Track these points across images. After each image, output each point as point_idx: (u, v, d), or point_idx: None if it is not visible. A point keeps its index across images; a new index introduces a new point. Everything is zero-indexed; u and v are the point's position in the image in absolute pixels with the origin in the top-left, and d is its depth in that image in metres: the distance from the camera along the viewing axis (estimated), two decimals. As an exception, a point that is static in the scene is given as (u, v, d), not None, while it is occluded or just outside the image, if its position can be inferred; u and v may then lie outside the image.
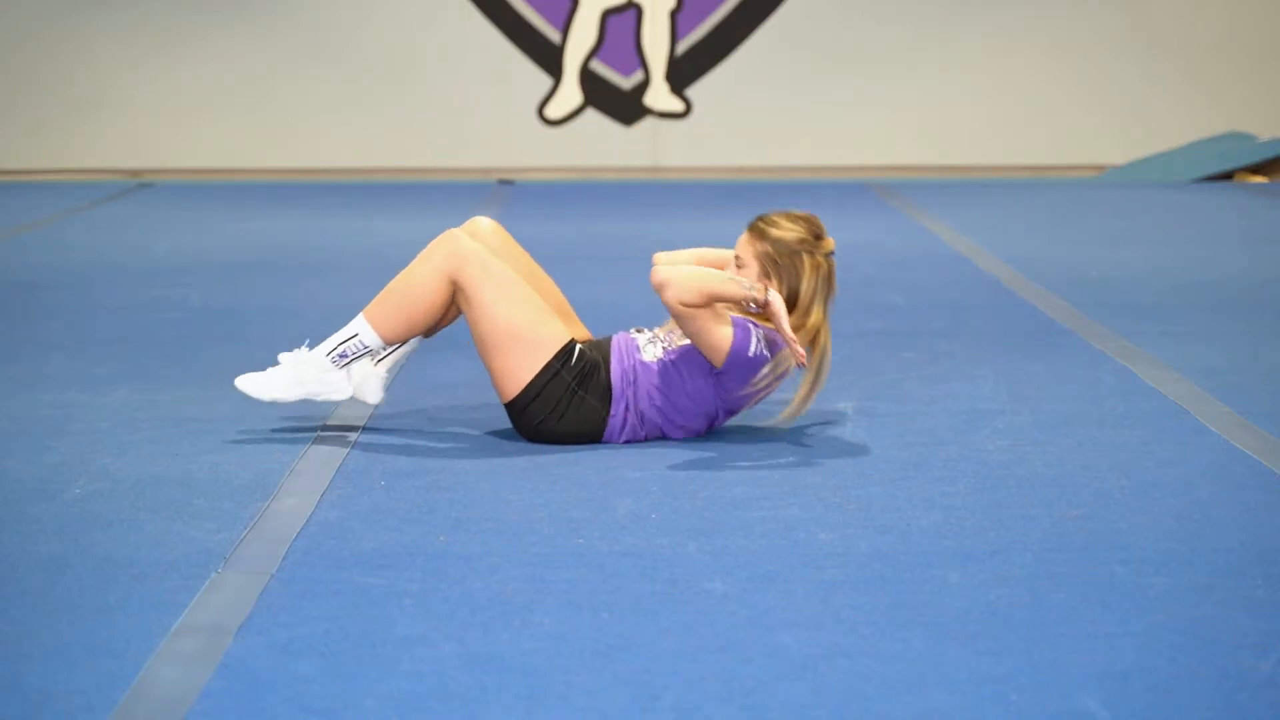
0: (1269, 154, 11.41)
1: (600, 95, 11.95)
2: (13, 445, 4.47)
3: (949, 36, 11.93)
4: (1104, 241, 8.38)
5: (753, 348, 4.36)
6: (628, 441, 4.48)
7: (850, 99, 11.85)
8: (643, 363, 4.48)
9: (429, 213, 9.56)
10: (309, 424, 4.68)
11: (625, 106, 11.92)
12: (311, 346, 4.54)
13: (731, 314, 4.39)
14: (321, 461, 4.31)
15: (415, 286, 4.46)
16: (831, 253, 4.46)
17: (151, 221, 9.35)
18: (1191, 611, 3.27)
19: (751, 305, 4.35)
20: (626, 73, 11.98)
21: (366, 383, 4.56)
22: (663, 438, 4.50)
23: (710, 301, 4.31)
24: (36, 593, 3.37)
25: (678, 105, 12.01)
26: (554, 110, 11.99)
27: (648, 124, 12.04)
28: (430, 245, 4.48)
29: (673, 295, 4.29)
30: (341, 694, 2.89)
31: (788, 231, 4.45)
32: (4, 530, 3.76)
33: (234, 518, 3.84)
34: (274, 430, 4.62)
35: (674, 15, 11.98)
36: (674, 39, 11.99)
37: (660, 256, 4.64)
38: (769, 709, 2.85)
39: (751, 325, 4.39)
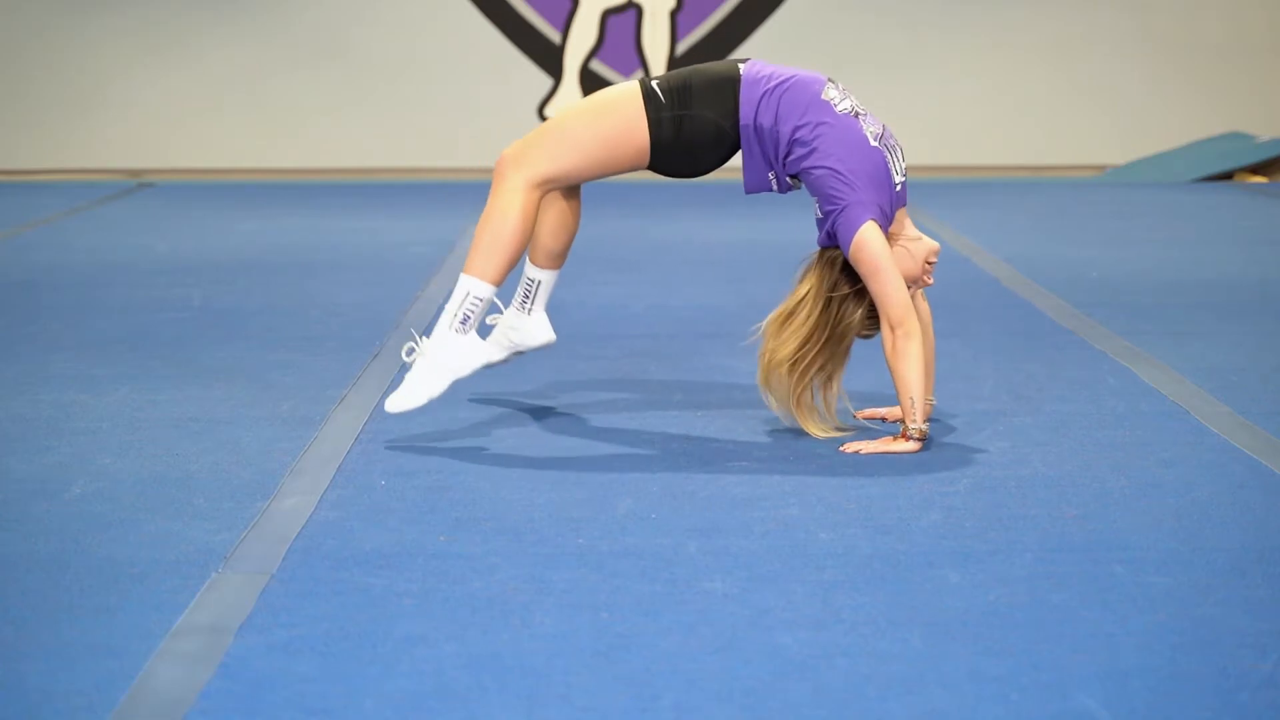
0: (1269, 154, 11.41)
1: (600, 95, 11.95)
2: (13, 445, 4.47)
3: (949, 36, 11.93)
4: (1104, 241, 8.38)
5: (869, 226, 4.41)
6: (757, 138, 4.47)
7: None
8: (819, 99, 4.45)
9: (429, 213, 9.56)
10: (309, 424, 4.69)
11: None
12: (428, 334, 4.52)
13: (870, 216, 4.41)
14: (321, 461, 4.31)
15: (501, 213, 4.43)
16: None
17: (151, 221, 9.35)
18: (1191, 611, 3.27)
19: (910, 429, 4.38)
20: (626, 73, 11.98)
21: (536, 329, 4.76)
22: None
23: (901, 384, 4.37)
24: (36, 593, 3.37)
25: (678, 105, 12.01)
26: (554, 110, 11.99)
27: (648, 124, 12.03)
28: (495, 182, 4.48)
29: (907, 339, 4.35)
30: (341, 694, 2.89)
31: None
32: (4, 530, 3.76)
33: (234, 518, 3.84)
34: (274, 430, 4.62)
35: (674, 15, 11.98)
36: (674, 39, 11.99)
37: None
38: (769, 709, 2.85)
39: (881, 222, 4.43)
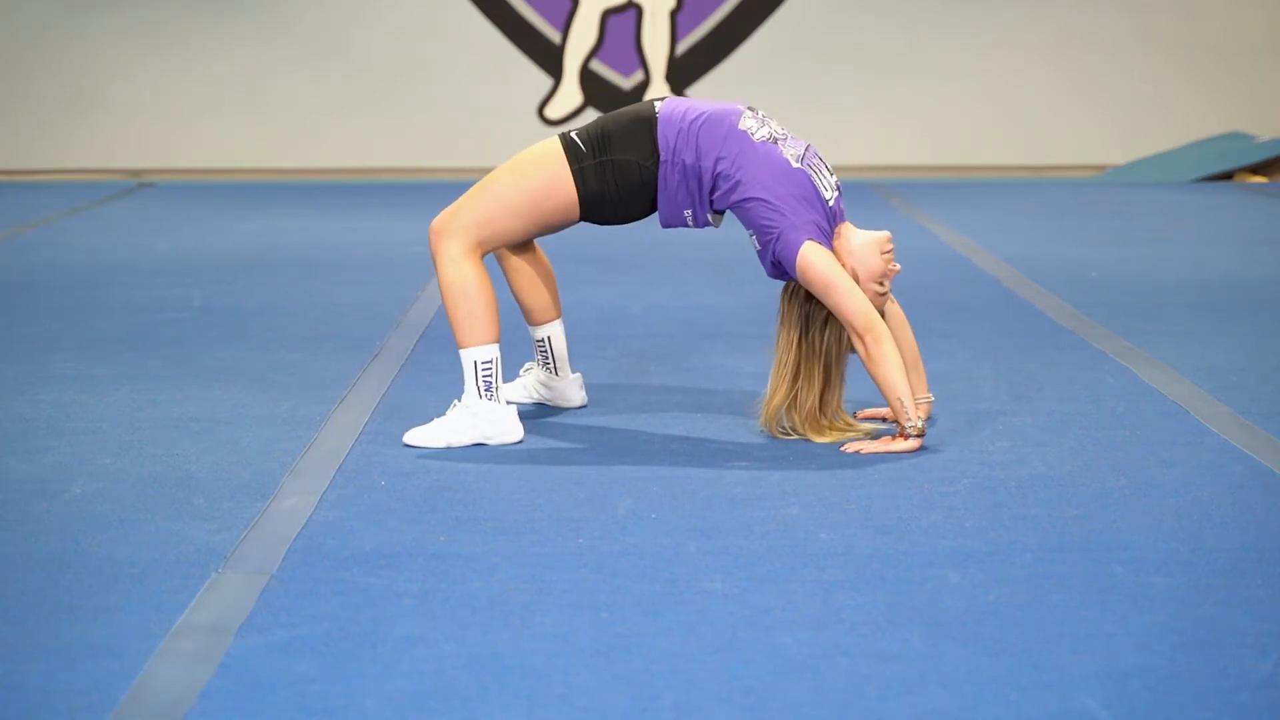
0: (1269, 154, 11.41)
1: (600, 95, 11.95)
2: (13, 445, 4.47)
3: (949, 36, 11.93)
4: (1104, 241, 8.38)
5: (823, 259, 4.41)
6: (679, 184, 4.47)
7: (850, 99, 11.85)
8: (735, 130, 4.44)
9: (429, 213, 9.52)
10: (309, 424, 4.69)
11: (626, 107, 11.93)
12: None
13: (813, 236, 4.41)
14: (321, 461, 4.31)
15: (455, 286, 4.48)
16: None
17: (151, 221, 9.35)
18: (1191, 611, 3.27)
19: (907, 429, 4.37)
20: (626, 73, 11.98)
21: (567, 390, 4.87)
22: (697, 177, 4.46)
23: (886, 388, 4.36)
24: (36, 593, 3.37)
25: (678, 105, 12.01)
26: (554, 110, 11.99)
27: (648, 124, 12.02)
28: (433, 255, 4.52)
29: (878, 343, 4.33)
30: (341, 694, 2.89)
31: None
32: (4, 530, 3.76)
33: (234, 518, 3.84)
34: (274, 430, 4.62)
35: (674, 15, 11.98)
36: (674, 39, 11.99)
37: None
38: (769, 709, 2.85)
39: (820, 240, 4.43)
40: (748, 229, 4.48)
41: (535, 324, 4.83)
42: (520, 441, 4.50)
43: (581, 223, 4.58)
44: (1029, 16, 11.90)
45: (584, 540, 3.70)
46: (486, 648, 3.09)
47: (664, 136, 4.46)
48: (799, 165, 4.44)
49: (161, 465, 4.28)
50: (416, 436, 4.47)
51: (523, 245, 4.74)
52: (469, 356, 4.48)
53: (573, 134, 4.52)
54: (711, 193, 4.47)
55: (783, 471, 4.24)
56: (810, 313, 4.48)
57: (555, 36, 11.96)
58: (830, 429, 4.50)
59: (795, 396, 4.49)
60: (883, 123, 11.92)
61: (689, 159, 4.44)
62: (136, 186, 11.16)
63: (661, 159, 4.45)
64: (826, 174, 4.49)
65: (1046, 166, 12.01)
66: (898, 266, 4.52)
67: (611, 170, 4.46)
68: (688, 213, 4.51)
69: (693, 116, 4.47)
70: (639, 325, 6.25)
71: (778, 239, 4.40)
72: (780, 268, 4.45)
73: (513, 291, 4.81)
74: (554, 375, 4.88)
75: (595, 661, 3.03)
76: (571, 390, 4.89)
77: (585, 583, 3.42)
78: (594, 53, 11.97)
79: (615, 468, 4.29)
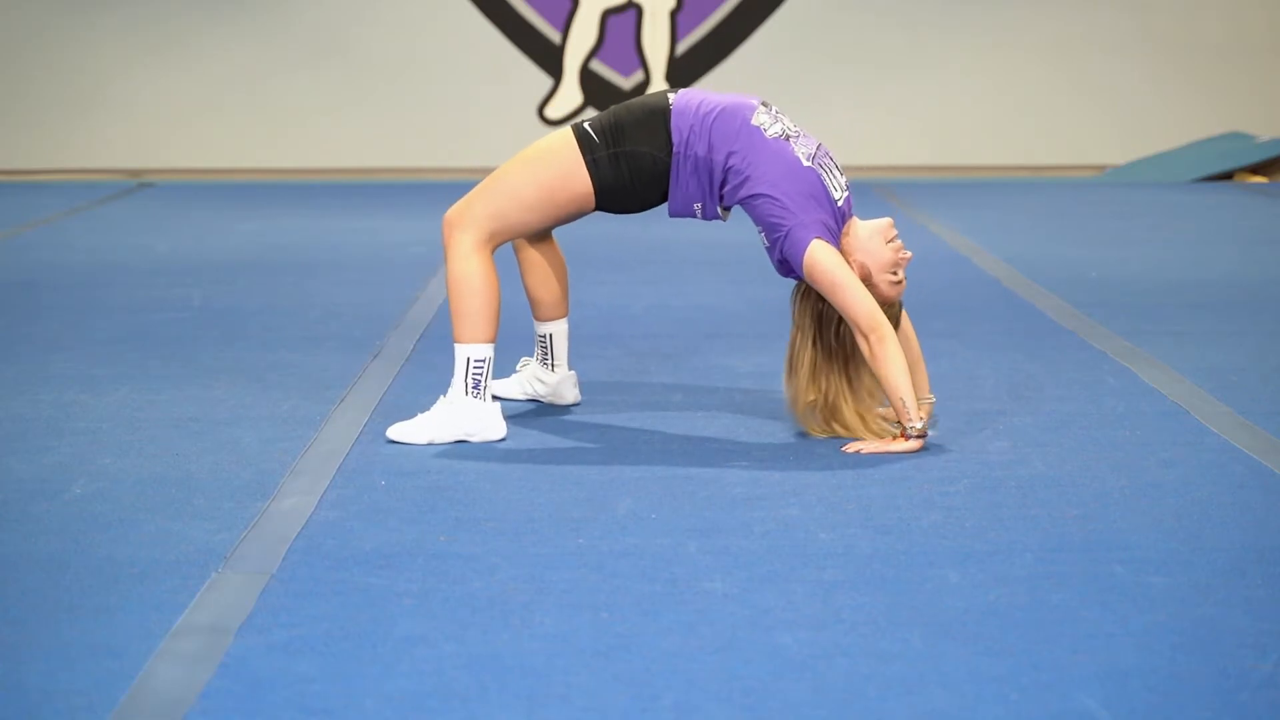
0: (1269, 154, 11.41)
1: (600, 95, 11.95)
2: (13, 445, 4.47)
3: (949, 36, 11.93)
4: (1104, 241, 8.38)
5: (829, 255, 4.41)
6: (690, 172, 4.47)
7: (850, 99, 11.85)
8: (748, 125, 4.44)
9: (429, 213, 9.55)
10: (309, 424, 4.69)
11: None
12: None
13: (820, 234, 4.41)
14: (321, 461, 4.31)
15: (462, 280, 4.49)
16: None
17: (151, 221, 9.35)
18: (1191, 611, 3.28)
19: (909, 429, 4.36)
20: (626, 73, 11.98)
21: (564, 389, 4.86)
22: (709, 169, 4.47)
23: (888, 388, 4.35)
24: (36, 593, 3.37)
25: (678, 105, 12.00)
26: (554, 110, 11.99)
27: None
28: (445, 246, 4.54)
29: (882, 343, 4.33)
30: (341, 694, 2.89)
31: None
32: (4, 530, 3.76)
33: (234, 518, 3.84)
34: (274, 430, 4.62)
35: (674, 15, 11.98)
36: (674, 39, 11.99)
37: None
38: (769, 709, 2.85)
39: (827, 239, 4.42)
40: (756, 225, 4.49)
41: (541, 319, 4.83)
42: (503, 439, 4.50)
43: (597, 211, 4.58)
44: (1029, 16, 11.90)
45: (584, 540, 3.70)
46: (486, 648, 3.09)
47: (677, 128, 4.46)
48: (809, 164, 4.45)
49: (161, 465, 4.28)
50: (400, 432, 4.48)
51: (539, 238, 4.74)
52: (463, 352, 4.49)
53: (585, 125, 4.52)
54: (721, 187, 4.47)
55: (783, 471, 4.24)
56: (823, 312, 4.48)
57: (555, 36, 11.96)
58: (870, 422, 4.50)
59: (828, 400, 4.48)
60: (883, 123, 11.92)
61: (701, 151, 4.45)
62: (136, 186, 11.16)
63: (674, 151, 4.46)
64: (836, 174, 4.49)
65: (1046, 166, 12.01)
66: (908, 253, 4.51)
67: (625, 161, 4.46)
68: (697, 206, 4.51)
69: (707, 109, 4.47)
70: (639, 325, 6.25)
71: (785, 236, 4.41)
72: (787, 265, 4.45)
73: (524, 284, 4.82)
74: (550, 371, 4.88)
75: (595, 661, 3.03)
76: (566, 387, 4.90)
77: (585, 583, 3.42)
78: (594, 53, 11.97)
79: (615, 468, 4.29)
